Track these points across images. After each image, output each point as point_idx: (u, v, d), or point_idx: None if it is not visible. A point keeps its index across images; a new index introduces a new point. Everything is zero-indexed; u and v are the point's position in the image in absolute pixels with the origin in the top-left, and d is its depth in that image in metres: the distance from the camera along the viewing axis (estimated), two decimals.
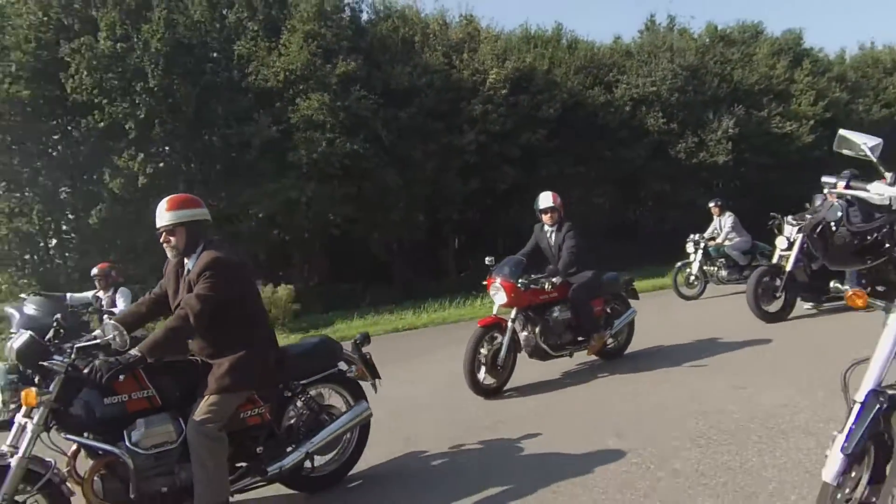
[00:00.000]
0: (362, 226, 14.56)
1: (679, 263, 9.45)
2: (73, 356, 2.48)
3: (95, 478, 2.52)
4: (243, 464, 2.90)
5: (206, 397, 2.65)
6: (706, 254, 9.08)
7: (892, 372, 1.71)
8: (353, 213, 13.69)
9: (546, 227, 5.38)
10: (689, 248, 9.21)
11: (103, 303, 6.03)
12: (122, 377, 2.53)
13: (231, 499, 2.77)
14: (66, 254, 14.39)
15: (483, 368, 4.65)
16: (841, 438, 1.65)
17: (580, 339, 5.10)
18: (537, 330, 4.85)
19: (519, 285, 4.76)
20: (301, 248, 15.11)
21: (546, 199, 5.30)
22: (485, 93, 14.86)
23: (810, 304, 6.73)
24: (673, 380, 4.63)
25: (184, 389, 2.73)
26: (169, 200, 2.89)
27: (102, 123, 11.79)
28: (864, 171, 2.08)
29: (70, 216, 14.09)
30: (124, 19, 11.96)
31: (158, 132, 11.86)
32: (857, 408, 1.67)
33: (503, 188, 15.64)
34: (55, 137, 13.12)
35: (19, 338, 2.56)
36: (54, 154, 13.20)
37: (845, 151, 2.03)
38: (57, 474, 2.46)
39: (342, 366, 3.36)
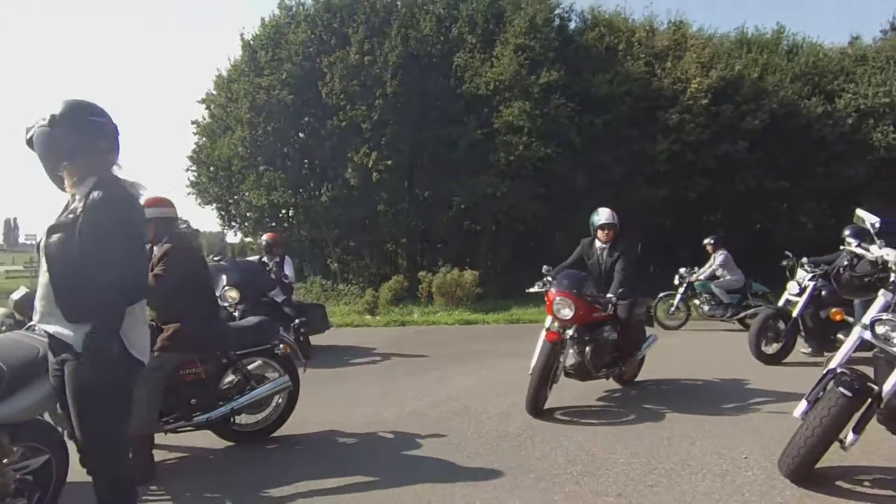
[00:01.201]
0: (548, 223, 15.89)
1: (661, 294, 10.08)
2: None
3: None
4: (179, 412, 3.63)
5: (153, 352, 3.26)
6: (691, 287, 9.90)
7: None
8: (540, 211, 15.02)
9: (598, 244, 5.31)
10: (676, 280, 10.08)
11: (270, 266, 7.48)
12: None
13: (162, 437, 3.65)
14: (300, 224, 17.95)
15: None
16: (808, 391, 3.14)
17: (617, 360, 5.10)
18: (588, 349, 4.73)
19: (587, 301, 4.72)
20: (488, 239, 16.90)
21: (606, 215, 5.20)
22: (684, 102, 15.10)
23: (810, 350, 6.65)
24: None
25: None
26: (145, 201, 3.46)
27: (344, 123, 14.66)
28: None
29: (305, 195, 17.52)
30: (370, 35, 14.65)
31: (388, 132, 14.39)
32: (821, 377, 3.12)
33: (693, 198, 15.80)
34: (303, 133, 16.42)
35: (18, 292, 3.37)
36: (301, 145, 16.53)
37: (858, 221, 3.55)
38: None
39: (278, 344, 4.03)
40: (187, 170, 18.15)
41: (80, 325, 2.08)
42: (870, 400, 2.93)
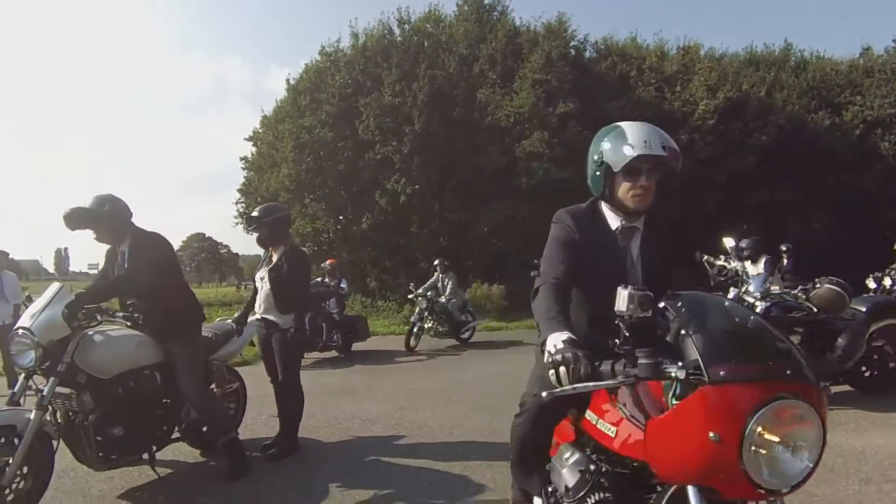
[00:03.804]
0: None
1: (413, 318, 10.22)
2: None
3: None
4: None
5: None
6: (432, 309, 10.13)
7: None
8: None
9: (616, 221, 2.19)
10: (423, 304, 10.16)
11: (332, 285, 9.99)
12: None
13: None
14: (340, 247, 20.41)
15: None
16: None
17: None
18: None
19: None
20: (517, 255, 19.02)
21: (654, 137, 2.11)
22: (693, 123, 17.07)
23: None
24: None
25: None
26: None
27: (378, 156, 17.12)
28: None
29: (344, 221, 19.98)
30: (400, 77, 17.14)
31: (417, 163, 16.79)
32: None
33: (710, 212, 17.64)
34: (342, 165, 18.94)
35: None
36: (340, 176, 19.05)
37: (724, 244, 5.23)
38: None
39: None
40: (236, 202, 20.95)
41: (285, 315, 4.33)
42: None
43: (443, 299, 10.33)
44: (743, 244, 7.64)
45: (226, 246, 75.56)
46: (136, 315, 3.66)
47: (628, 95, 17.50)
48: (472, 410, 5.51)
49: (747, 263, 7.87)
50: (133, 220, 3.90)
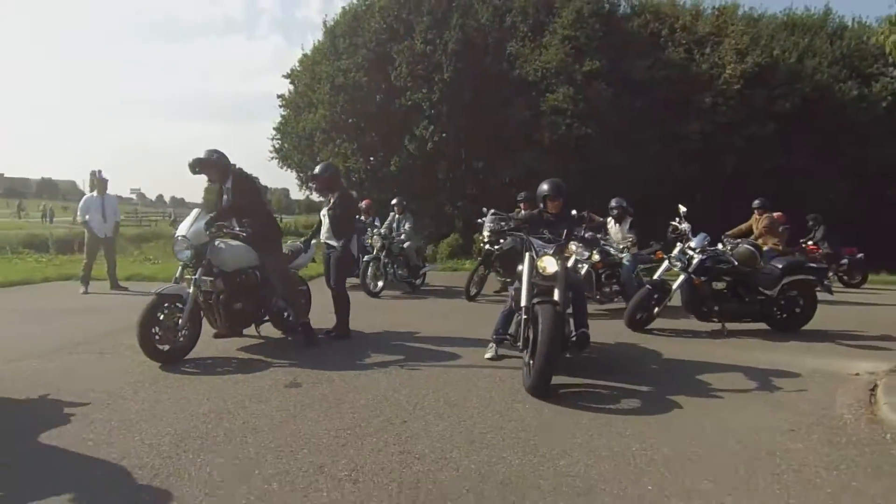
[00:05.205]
0: (587, 195, 19.67)
1: (367, 258, 9.98)
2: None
3: None
4: None
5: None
6: (389, 250, 10.09)
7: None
8: (579, 186, 18.79)
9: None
10: (378, 242, 10.10)
11: (367, 223, 10.96)
12: None
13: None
14: (369, 188, 22.40)
15: None
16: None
17: None
18: None
19: None
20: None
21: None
22: (718, 87, 18.33)
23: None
24: None
25: None
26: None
27: (409, 103, 18.83)
28: None
29: (375, 163, 21.89)
30: (432, 26, 18.64)
31: (445, 111, 18.48)
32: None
33: (726, 175, 19.04)
34: (374, 109, 20.67)
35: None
36: (372, 119, 20.83)
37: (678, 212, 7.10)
38: None
39: None
40: (272, 139, 23.00)
41: (338, 240, 6.37)
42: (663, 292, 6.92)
43: (403, 237, 10.46)
44: (613, 203, 9.15)
45: (255, 178, 78.39)
46: (248, 230, 5.74)
47: (657, 55, 18.70)
48: (477, 325, 7.60)
49: (610, 221, 9.24)
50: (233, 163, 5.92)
